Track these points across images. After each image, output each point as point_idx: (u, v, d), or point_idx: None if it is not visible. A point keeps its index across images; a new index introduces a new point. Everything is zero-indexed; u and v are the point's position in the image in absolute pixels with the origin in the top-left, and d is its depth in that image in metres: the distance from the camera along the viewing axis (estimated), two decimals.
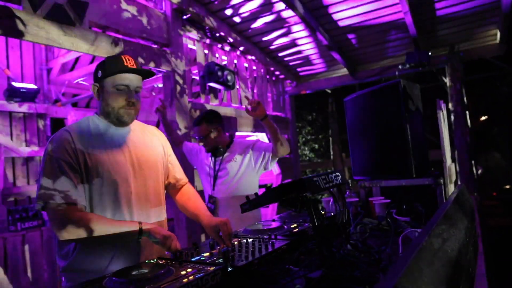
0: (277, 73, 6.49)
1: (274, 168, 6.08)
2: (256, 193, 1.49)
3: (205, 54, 4.72)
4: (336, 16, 4.78)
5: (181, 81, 4.04)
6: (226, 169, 2.72)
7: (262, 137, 5.59)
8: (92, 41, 3.08)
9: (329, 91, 11.31)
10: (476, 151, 5.93)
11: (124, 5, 3.47)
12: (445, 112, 4.25)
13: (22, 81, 4.97)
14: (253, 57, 5.66)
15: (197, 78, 4.81)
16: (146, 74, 1.66)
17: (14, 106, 4.66)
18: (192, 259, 1.33)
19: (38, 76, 5.20)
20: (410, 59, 5.28)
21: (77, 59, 5.63)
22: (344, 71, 6.44)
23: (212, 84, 4.51)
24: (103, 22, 3.25)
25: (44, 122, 5.11)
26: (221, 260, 1.27)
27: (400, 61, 5.81)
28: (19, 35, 2.59)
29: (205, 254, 1.39)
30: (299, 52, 5.88)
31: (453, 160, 5.50)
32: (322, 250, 1.28)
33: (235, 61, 5.40)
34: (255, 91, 5.88)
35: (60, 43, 2.83)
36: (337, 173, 1.50)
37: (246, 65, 5.68)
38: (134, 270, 1.21)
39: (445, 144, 3.67)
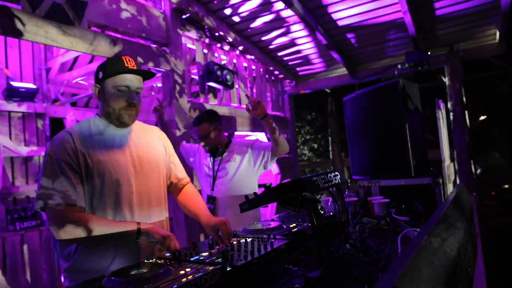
0: (276, 72, 6.49)
1: (273, 167, 6.08)
2: (255, 193, 1.49)
3: (204, 54, 4.72)
4: (335, 16, 4.78)
5: (180, 81, 4.04)
6: (226, 169, 2.72)
7: (261, 136, 5.59)
8: (91, 41, 3.07)
9: (329, 91, 11.31)
10: (476, 150, 5.93)
11: (123, 5, 3.46)
12: (444, 111, 4.25)
13: (21, 80, 4.96)
14: (253, 57, 5.66)
15: (196, 77, 4.82)
16: (146, 75, 1.67)
17: (13, 106, 4.65)
18: (191, 259, 1.33)
19: (37, 75, 5.19)
20: (410, 59, 5.28)
21: (76, 59, 5.62)
22: (343, 70, 6.44)
23: (211, 84, 4.51)
24: (102, 22, 3.24)
25: (43, 121, 5.10)
26: (220, 259, 1.27)
27: (400, 61, 5.81)
28: (18, 34, 2.59)
29: (204, 254, 1.39)
30: (298, 51, 5.88)
31: (452, 160, 5.51)
32: (321, 250, 1.28)
33: (234, 61, 5.39)
34: (254, 90, 5.88)
35: (59, 43, 2.83)
36: (336, 173, 1.50)
37: (245, 64, 5.68)
38: (133, 269, 1.21)
39: (444, 144, 3.67)
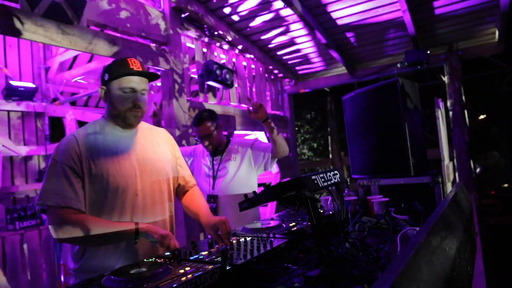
0: (275, 71, 6.48)
1: (273, 167, 6.08)
2: (254, 192, 1.49)
3: (204, 53, 4.71)
4: (334, 15, 4.77)
5: (179, 80, 4.04)
6: (226, 168, 2.71)
7: (261, 135, 5.59)
8: (90, 40, 3.07)
9: (328, 90, 11.31)
10: (475, 150, 5.94)
11: (122, 4, 3.46)
12: (443, 110, 4.25)
13: (20, 79, 4.96)
14: (252, 56, 5.65)
15: (196, 76, 4.81)
16: (151, 76, 1.69)
17: (12, 105, 4.65)
18: (191, 258, 1.33)
19: (36, 74, 5.18)
20: (409, 58, 5.28)
21: (75, 58, 5.62)
22: (342, 69, 6.44)
23: (210, 83, 4.50)
24: (101, 21, 3.24)
25: (42, 121, 5.09)
26: (219, 258, 1.27)
27: (399, 60, 5.81)
28: (17, 33, 2.58)
29: (203, 253, 1.39)
30: (298, 50, 5.88)
31: (452, 159, 5.51)
32: (321, 249, 1.28)
33: (234, 60, 5.39)
34: (253, 89, 5.87)
35: (58, 42, 2.82)
36: (335, 172, 1.50)
37: (244, 63, 5.68)
38: (133, 268, 1.21)
39: (443, 143, 3.67)
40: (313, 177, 1.37)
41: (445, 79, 5.86)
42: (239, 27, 5.06)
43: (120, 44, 3.34)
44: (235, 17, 4.79)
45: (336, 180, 1.48)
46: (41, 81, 5.19)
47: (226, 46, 5.12)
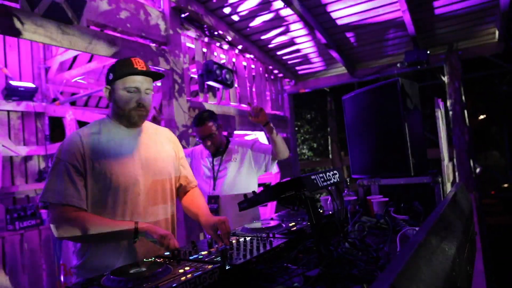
0: (275, 71, 6.49)
1: (274, 167, 6.07)
2: (254, 192, 1.49)
3: (204, 53, 4.71)
4: (334, 15, 4.77)
5: (179, 80, 4.04)
6: (226, 169, 2.70)
7: (261, 135, 5.59)
8: (90, 40, 3.07)
9: (328, 90, 11.30)
10: (475, 149, 5.94)
11: (122, 4, 3.46)
12: (443, 110, 4.25)
13: (20, 79, 4.96)
14: (252, 56, 5.65)
15: (196, 76, 4.81)
16: (155, 76, 1.70)
17: (12, 105, 4.65)
18: (190, 258, 1.33)
19: (36, 74, 5.18)
20: (409, 58, 5.28)
21: (75, 58, 5.62)
22: (342, 69, 6.44)
23: (210, 83, 4.51)
24: (101, 21, 3.24)
25: (42, 121, 5.10)
26: (219, 258, 1.27)
27: (399, 60, 5.81)
28: (17, 33, 2.58)
29: (203, 253, 1.39)
30: (298, 50, 5.88)
31: (452, 159, 5.51)
32: (320, 249, 1.27)
33: (234, 60, 5.39)
34: (253, 89, 5.87)
35: (58, 42, 2.82)
36: (335, 171, 1.50)
37: (244, 63, 5.68)
38: (132, 268, 1.21)
39: (444, 143, 3.68)
40: (313, 177, 1.37)
41: (445, 79, 5.86)
42: (239, 27, 5.06)
43: (120, 44, 3.34)
44: (235, 17, 4.79)
45: (335, 180, 1.48)
46: (41, 81, 5.19)
47: (226, 46, 5.12)
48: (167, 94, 3.96)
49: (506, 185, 11.03)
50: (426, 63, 5.34)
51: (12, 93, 4.43)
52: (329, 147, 12.62)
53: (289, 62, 6.35)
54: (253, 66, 5.88)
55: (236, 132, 5.23)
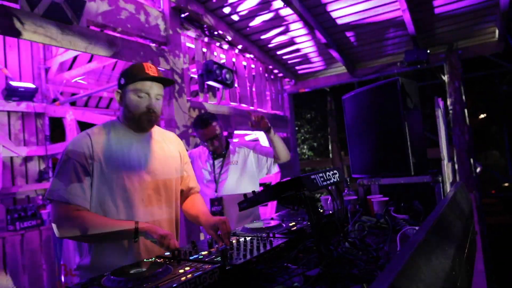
0: (275, 71, 6.48)
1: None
2: (253, 191, 1.49)
3: (204, 53, 4.71)
4: (334, 14, 4.77)
5: (179, 80, 4.04)
6: (228, 171, 2.69)
7: (261, 135, 5.59)
8: (90, 40, 3.07)
9: (328, 89, 11.30)
10: (475, 149, 5.93)
11: (122, 4, 3.46)
12: (443, 110, 4.24)
13: (20, 80, 4.96)
14: (252, 56, 5.65)
15: (196, 76, 4.81)
16: (166, 82, 1.72)
17: (12, 106, 4.65)
18: (190, 258, 1.33)
19: (36, 75, 5.19)
20: (409, 57, 5.28)
21: (75, 58, 5.62)
22: (342, 69, 6.44)
23: (210, 83, 4.51)
24: (101, 21, 3.24)
25: (42, 121, 5.10)
26: (219, 258, 1.27)
27: (399, 59, 5.82)
28: (17, 34, 2.58)
29: (203, 253, 1.39)
30: (298, 50, 5.88)
31: (452, 158, 5.51)
32: (320, 248, 1.27)
33: (234, 60, 5.39)
34: (253, 89, 5.87)
35: (58, 42, 2.83)
36: (335, 171, 1.50)
37: (244, 63, 5.68)
38: (132, 268, 1.21)
39: (444, 142, 3.67)
40: (313, 176, 1.37)
41: (445, 78, 5.86)
42: (238, 27, 5.06)
43: (119, 44, 3.34)
44: (235, 17, 4.79)
45: (335, 180, 1.48)
46: (41, 81, 5.19)
47: (226, 46, 5.12)
48: (167, 94, 3.95)
49: (506, 185, 11.02)
50: (426, 63, 5.34)
51: (12, 94, 4.43)
52: (329, 147, 12.63)
53: (289, 61, 6.35)
54: (253, 66, 5.88)
55: (236, 132, 5.23)
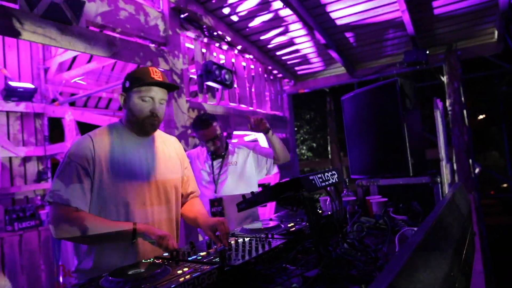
0: (275, 72, 6.49)
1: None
2: (252, 192, 1.49)
3: (203, 53, 4.71)
4: (333, 15, 4.78)
5: (178, 80, 4.04)
6: (227, 171, 2.68)
7: (260, 135, 5.59)
8: (89, 40, 3.07)
9: (327, 90, 11.31)
10: (474, 150, 5.94)
11: (121, 4, 3.46)
12: (442, 111, 4.24)
13: (19, 80, 4.95)
14: (251, 56, 5.65)
15: (195, 77, 4.81)
16: (171, 87, 1.73)
17: (11, 106, 4.64)
18: (189, 258, 1.33)
19: (35, 75, 5.18)
20: (408, 58, 5.29)
21: (74, 58, 5.62)
22: (342, 69, 6.44)
23: (210, 83, 4.50)
24: (100, 21, 3.24)
25: (42, 121, 5.09)
26: (217, 259, 1.27)
27: (398, 60, 5.82)
28: (16, 34, 2.58)
29: (201, 254, 1.38)
30: (297, 51, 5.88)
31: (451, 159, 5.51)
32: (319, 249, 1.27)
33: (233, 60, 5.39)
34: (253, 90, 5.87)
35: (57, 42, 2.82)
36: (333, 172, 1.50)
37: (244, 64, 5.68)
38: (131, 269, 1.21)
39: (442, 143, 3.67)
40: (311, 177, 1.37)
41: (444, 79, 5.87)
42: (238, 27, 5.06)
43: (119, 45, 3.34)
44: (234, 18, 4.79)
45: (334, 180, 1.48)
46: (40, 81, 5.19)
47: (225, 47, 5.12)
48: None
49: (505, 185, 11.03)
50: (425, 63, 5.34)
51: (11, 94, 4.42)
52: (329, 148, 12.63)
53: (289, 62, 6.35)
54: (252, 66, 5.88)
55: (235, 132, 5.22)
